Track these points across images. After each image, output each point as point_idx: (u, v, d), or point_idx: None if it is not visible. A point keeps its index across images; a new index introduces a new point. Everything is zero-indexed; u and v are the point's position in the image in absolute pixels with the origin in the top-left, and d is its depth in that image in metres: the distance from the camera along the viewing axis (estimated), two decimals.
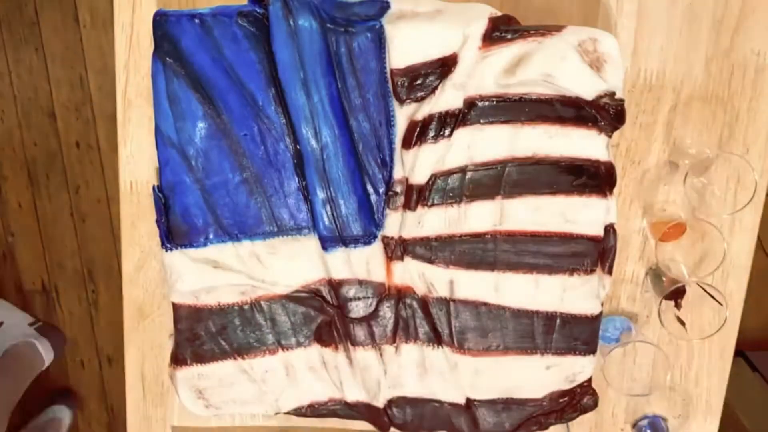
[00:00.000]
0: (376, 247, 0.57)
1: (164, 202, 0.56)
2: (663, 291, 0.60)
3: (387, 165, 0.55)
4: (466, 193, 0.56)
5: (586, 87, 0.54)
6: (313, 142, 0.54)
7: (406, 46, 0.53)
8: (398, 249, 0.57)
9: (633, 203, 0.61)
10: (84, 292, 1.70)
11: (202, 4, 0.55)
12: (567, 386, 0.60)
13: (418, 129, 0.54)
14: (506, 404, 0.60)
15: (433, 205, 0.56)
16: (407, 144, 0.55)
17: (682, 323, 0.62)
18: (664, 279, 0.61)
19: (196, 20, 0.53)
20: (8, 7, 1.58)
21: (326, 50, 0.53)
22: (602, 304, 0.59)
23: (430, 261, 0.57)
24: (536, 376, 0.60)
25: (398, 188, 0.56)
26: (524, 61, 0.53)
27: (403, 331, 0.59)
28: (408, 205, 0.56)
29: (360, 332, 0.58)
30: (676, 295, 0.61)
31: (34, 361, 1.33)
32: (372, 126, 0.55)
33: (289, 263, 0.58)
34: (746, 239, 0.61)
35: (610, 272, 0.58)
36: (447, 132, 0.54)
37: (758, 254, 0.63)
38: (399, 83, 0.53)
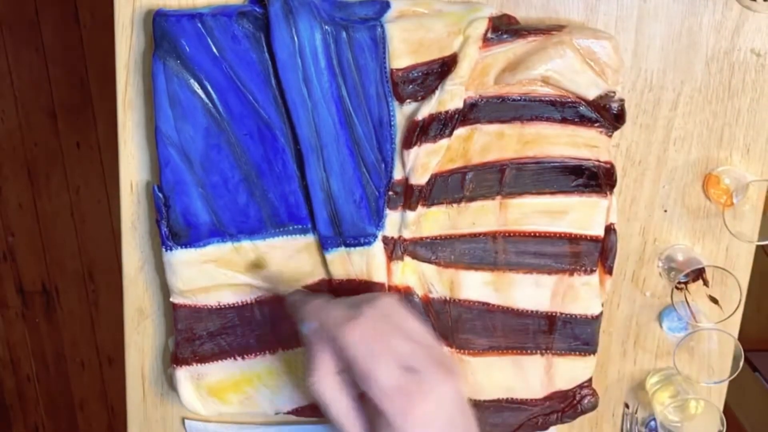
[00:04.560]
0: (377, 247, 0.57)
1: (164, 202, 0.56)
2: (675, 278, 0.59)
3: (387, 165, 0.55)
4: (467, 193, 0.56)
5: (586, 87, 0.54)
6: (312, 141, 0.54)
7: (406, 46, 0.53)
8: (398, 249, 0.57)
9: (633, 203, 0.61)
10: (84, 292, 1.70)
11: (202, 4, 0.55)
12: (567, 386, 0.60)
13: (418, 129, 0.54)
14: (506, 404, 0.60)
15: (433, 205, 0.57)
16: (407, 144, 0.55)
17: (716, 301, 0.61)
18: (675, 265, 0.60)
19: (197, 20, 0.53)
20: (8, 7, 1.58)
21: (326, 50, 0.53)
22: (602, 305, 0.59)
23: (431, 261, 0.58)
24: (536, 376, 0.60)
25: (398, 188, 0.56)
26: (524, 61, 0.53)
27: None
28: (408, 205, 0.56)
29: None
30: (698, 275, 0.60)
31: None
32: (372, 126, 0.54)
33: (289, 263, 0.58)
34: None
35: (610, 272, 0.58)
36: (447, 132, 0.54)
37: (758, 255, 0.63)
38: (399, 83, 0.53)
